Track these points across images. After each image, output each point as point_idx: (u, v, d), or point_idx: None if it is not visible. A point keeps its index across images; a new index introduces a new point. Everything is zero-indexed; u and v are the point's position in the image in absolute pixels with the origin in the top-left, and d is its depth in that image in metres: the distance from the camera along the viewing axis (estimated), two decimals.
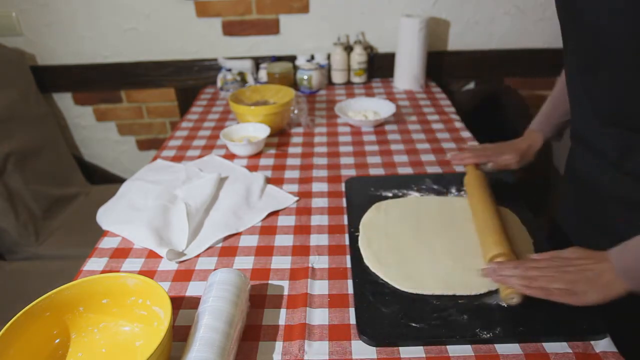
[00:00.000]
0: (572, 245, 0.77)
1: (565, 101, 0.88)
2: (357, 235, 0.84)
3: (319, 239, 0.86)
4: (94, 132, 1.88)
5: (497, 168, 0.94)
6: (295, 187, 1.03)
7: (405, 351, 0.63)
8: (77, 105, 1.82)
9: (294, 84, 1.61)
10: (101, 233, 0.91)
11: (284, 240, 0.86)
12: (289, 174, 1.09)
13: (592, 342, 0.62)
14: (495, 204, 0.84)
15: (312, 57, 1.67)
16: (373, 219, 0.88)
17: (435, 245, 0.80)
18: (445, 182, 0.99)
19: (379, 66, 1.72)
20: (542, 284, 0.62)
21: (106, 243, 0.88)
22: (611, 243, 0.63)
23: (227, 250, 0.84)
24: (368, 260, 0.77)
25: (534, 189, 1.79)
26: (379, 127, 1.33)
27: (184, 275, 0.79)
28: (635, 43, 0.59)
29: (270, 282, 0.76)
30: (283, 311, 0.70)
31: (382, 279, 0.73)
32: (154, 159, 1.19)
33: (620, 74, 0.65)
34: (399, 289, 0.71)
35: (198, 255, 0.83)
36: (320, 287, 0.74)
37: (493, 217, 0.79)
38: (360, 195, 0.96)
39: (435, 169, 1.09)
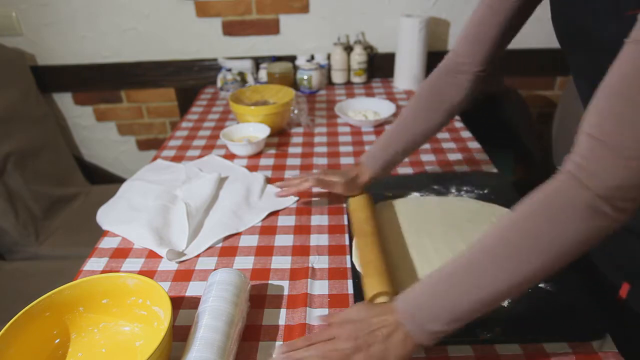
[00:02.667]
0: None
1: (396, 141, 0.87)
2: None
3: (319, 239, 0.86)
4: (94, 132, 1.88)
5: (320, 185, 0.90)
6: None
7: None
8: (77, 105, 1.82)
9: (294, 84, 1.61)
10: (101, 233, 0.91)
11: (284, 240, 0.86)
12: (289, 174, 1.09)
13: (592, 342, 0.62)
14: (375, 229, 0.80)
15: (312, 57, 1.67)
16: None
17: (434, 246, 0.80)
18: (445, 182, 0.99)
19: (379, 66, 1.72)
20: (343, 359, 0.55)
21: (106, 243, 0.88)
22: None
23: (227, 250, 0.84)
24: (356, 260, 0.77)
25: (534, 189, 1.79)
26: (379, 127, 1.33)
27: (184, 275, 0.79)
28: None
29: (270, 282, 0.76)
30: (283, 311, 0.70)
31: None
32: (154, 159, 1.19)
33: None
34: None
35: (198, 255, 0.83)
36: (320, 287, 0.74)
37: (373, 251, 0.74)
38: None
39: (435, 169, 1.09)
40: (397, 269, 0.75)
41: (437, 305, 0.54)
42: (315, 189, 1.02)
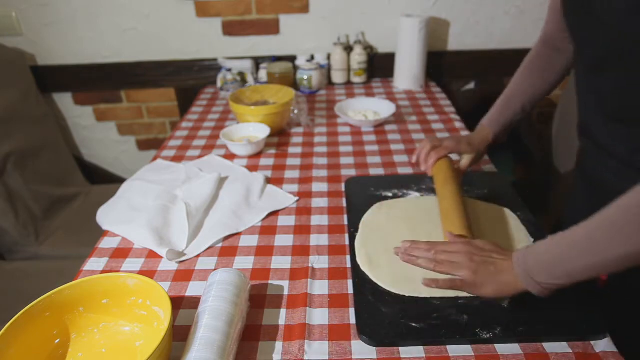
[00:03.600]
0: None
1: (516, 102, 0.93)
2: (357, 235, 0.84)
3: (319, 239, 0.86)
4: (94, 132, 1.88)
5: (454, 152, 0.95)
6: (295, 187, 1.03)
7: (405, 351, 0.63)
8: (77, 105, 1.82)
9: (294, 84, 1.61)
10: (101, 233, 0.91)
11: (284, 240, 0.86)
12: (289, 174, 1.09)
13: (592, 342, 0.62)
14: (461, 189, 0.86)
15: (312, 57, 1.67)
16: (373, 219, 0.88)
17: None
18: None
19: (379, 66, 1.72)
20: (447, 269, 0.65)
21: (106, 243, 0.88)
22: None
23: (227, 250, 0.84)
24: (360, 260, 0.78)
25: (534, 189, 1.79)
26: (379, 127, 1.33)
27: (184, 275, 0.79)
28: None
29: (270, 282, 0.76)
30: (283, 311, 0.70)
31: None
32: (154, 159, 1.19)
33: (629, 73, 0.65)
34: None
35: (198, 255, 0.83)
36: (320, 287, 0.74)
37: (459, 202, 0.81)
38: (360, 195, 0.96)
39: None
40: (397, 269, 0.75)
41: (550, 261, 0.59)
42: (315, 189, 1.02)
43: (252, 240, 0.87)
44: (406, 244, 0.70)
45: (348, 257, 0.80)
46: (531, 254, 0.61)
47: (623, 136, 0.71)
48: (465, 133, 1.27)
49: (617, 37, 0.63)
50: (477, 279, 0.63)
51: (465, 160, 0.95)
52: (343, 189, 1.01)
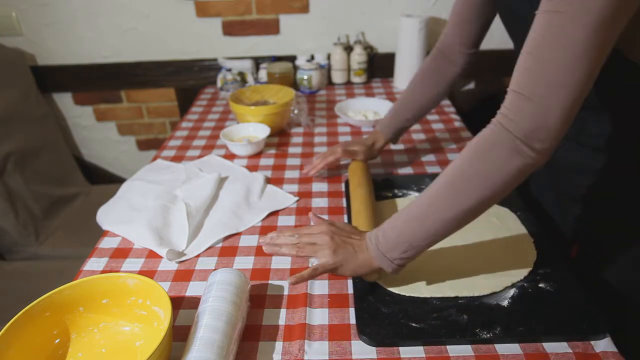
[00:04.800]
0: (551, 217, 0.89)
1: (405, 109, 1.01)
2: None
3: None
4: (94, 132, 1.88)
5: (345, 155, 1.01)
6: (295, 187, 1.03)
7: (405, 351, 0.63)
8: (77, 105, 1.82)
9: (294, 84, 1.61)
10: (101, 233, 0.91)
11: None
12: (289, 174, 1.09)
13: (592, 342, 0.62)
14: (370, 188, 0.91)
15: (312, 57, 1.67)
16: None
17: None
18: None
19: (379, 66, 1.72)
20: (309, 252, 0.69)
21: (106, 243, 0.88)
22: (580, 213, 0.71)
23: (227, 250, 0.84)
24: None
25: (533, 189, 1.79)
26: None
27: (184, 275, 0.79)
28: None
29: (270, 282, 0.76)
30: (283, 311, 0.70)
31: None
32: (154, 159, 1.19)
33: None
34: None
35: (198, 255, 0.83)
36: (320, 287, 0.74)
37: (369, 204, 0.86)
38: None
39: (435, 169, 1.09)
40: None
41: (393, 237, 0.65)
42: (315, 189, 1.02)
43: (252, 240, 0.87)
44: (272, 234, 0.72)
45: None
46: (380, 231, 0.67)
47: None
48: (465, 133, 1.27)
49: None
50: (337, 259, 0.67)
51: (347, 152, 1.01)
52: (343, 189, 1.01)
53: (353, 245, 0.68)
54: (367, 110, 1.38)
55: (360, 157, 1.01)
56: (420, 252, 0.65)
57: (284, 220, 0.92)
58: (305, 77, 1.59)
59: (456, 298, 0.69)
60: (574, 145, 0.77)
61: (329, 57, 1.68)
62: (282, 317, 0.69)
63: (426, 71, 0.99)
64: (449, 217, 0.61)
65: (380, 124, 1.04)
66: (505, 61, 1.72)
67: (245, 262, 0.81)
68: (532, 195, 0.99)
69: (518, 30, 0.73)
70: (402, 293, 0.70)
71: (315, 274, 0.67)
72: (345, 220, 0.91)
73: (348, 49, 1.67)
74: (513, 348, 0.62)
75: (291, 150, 1.21)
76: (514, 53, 0.78)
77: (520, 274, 0.73)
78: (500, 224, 0.85)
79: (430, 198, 0.62)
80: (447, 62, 0.95)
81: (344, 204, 0.96)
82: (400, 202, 0.93)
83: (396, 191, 0.97)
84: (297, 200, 0.98)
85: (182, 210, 0.90)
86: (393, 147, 1.20)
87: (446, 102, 1.51)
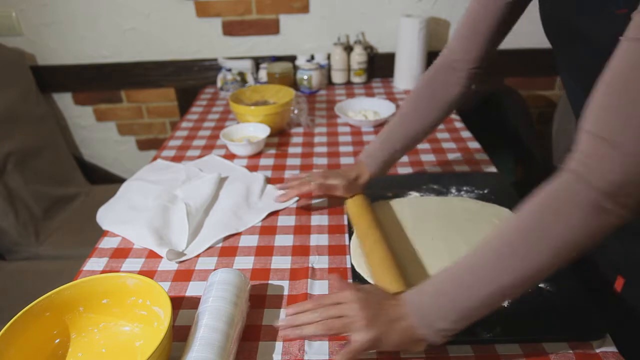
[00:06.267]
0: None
1: (398, 136, 0.87)
2: (352, 236, 0.84)
3: (319, 239, 0.86)
4: (94, 132, 1.88)
5: (322, 191, 0.89)
6: None
7: (405, 351, 0.63)
8: (77, 105, 1.82)
9: (294, 84, 1.61)
10: (101, 233, 0.91)
11: (284, 240, 0.86)
12: (289, 174, 1.09)
13: (592, 342, 0.62)
14: (381, 229, 0.80)
15: (312, 57, 1.67)
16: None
17: (433, 246, 0.80)
18: (445, 182, 0.99)
19: (379, 66, 1.72)
20: (340, 329, 0.57)
21: (106, 243, 0.88)
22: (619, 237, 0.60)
23: (227, 250, 0.84)
24: (355, 262, 0.77)
25: (534, 189, 1.79)
26: (379, 127, 1.33)
27: (184, 275, 0.79)
28: None
29: (270, 282, 0.76)
30: (283, 311, 0.70)
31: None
32: (154, 159, 1.19)
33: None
34: None
35: (198, 255, 0.83)
36: (320, 287, 0.74)
37: (386, 248, 0.75)
38: None
39: (435, 169, 1.09)
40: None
41: (444, 304, 0.54)
42: None
43: (252, 240, 0.87)
44: (289, 310, 0.61)
45: (348, 257, 0.80)
46: (424, 297, 0.56)
47: None
48: (465, 133, 1.27)
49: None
50: (373, 333, 0.55)
51: (338, 192, 0.88)
52: None
53: (389, 313, 0.56)
54: (367, 110, 1.38)
55: (339, 193, 0.88)
56: (470, 322, 0.55)
57: (284, 220, 0.92)
58: (305, 77, 1.59)
59: None
60: None
61: (329, 57, 1.68)
62: (282, 317, 0.69)
63: (422, 92, 0.86)
64: (505, 281, 0.51)
65: (366, 153, 0.90)
66: (505, 61, 1.73)
67: (245, 262, 0.81)
68: None
69: (573, 45, 0.62)
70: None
71: (352, 355, 0.56)
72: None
73: (348, 49, 1.67)
74: (513, 348, 0.62)
75: (291, 150, 1.21)
76: (555, 57, 0.71)
77: None
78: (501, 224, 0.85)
79: (483, 258, 0.53)
80: (448, 81, 0.84)
81: (344, 204, 0.96)
82: (400, 202, 0.93)
83: (396, 191, 0.97)
84: (297, 200, 0.98)
85: (182, 210, 0.90)
86: None
87: None
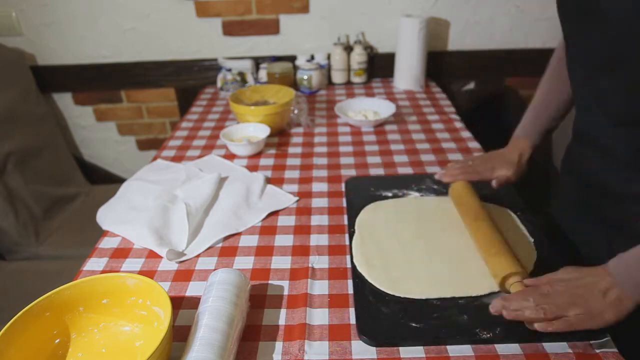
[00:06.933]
0: (572, 242, 0.75)
1: (548, 107, 0.89)
2: (354, 236, 0.84)
3: (319, 239, 0.86)
4: (94, 132, 1.88)
5: (497, 186, 0.91)
6: (295, 187, 1.03)
7: (405, 351, 0.63)
8: (77, 105, 1.82)
9: (294, 84, 1.61)
10: (101, 233, 0.91)
11: (284, 240, 0.86)
12: (289, 174, 1.09)
13: (592, 342, 0.62)
14: (490, 216, 0.81)
15: (312, 57, 1.67)
16: (370, 218, 0.88)
17: (433, 246, 0.80)
18: (445, 182, 0.99)
19: (379, 66, 1.72)
20: (558, 311, 0.59)
21: (106, 243, 0.88)
22: (627, 241, 0.61)
23: (227, 250, 0.84)
24: (357, 261, 0.77)
25: (534, 189, 1.79)
26: (379, 127, 1.33)
27: (184, 275, 0.79)
28: None
29: (270, 282, 0.76)
30: (283, 311, 0.70)
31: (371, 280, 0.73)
32: (154, 159, 1.19)
33: (638, 74, 0.63)
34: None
35: (198, 255, 0.83)
36: (320, 287, 0.74)
37: (497, 233, 0.76)
38: (360, 195, 0.96)
39: (435, 169, 1.09)
40: (395, 269, 0.75)
41: None
42: (315, 189, 1.02)
43: (252, 240, 0.87)
44: (500, 301, 0.63)
45: (348, 257, 0.80)
46: (622, 263, 0.58)
47: (627, 137, 0.69)
48: (465, 133, 1.27)
49: (626, 38, 0.61)
50: (593, 309, 0.58)
51: (499, 181, 0.89)
52: (343, 189, 1.01)
53: (599, 287, 0.59)
54: (367, 110, 1.38)
55: (512, 181, 0.89)
56: None
57: (284, 220, 0.92)
58: (305, 77, 1.59)
59: (456, 298, 0.69)
60: (627, 169, 0.70)
61: (329, 57, 1.68)
62: (282, 317, 0.69)
63: (556, 69, 0.89)
64: None
65: (521, 130, 0.91)
66: (505, 61, 1.73)
67: (245, 262, 0.81)
68: (553, 216, 0.92)
69: (592, 26, 0.64)
70: (398, 294, 0.70)
71: (569, 326, 0.59)
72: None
73: (348, 49, 1.67)
74: (513, 348, 0.62)
75: (291, 150, 1.21)
76: (570, 57, 0.72)
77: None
78: (501, 224, 0.85)
79: None
80: None
81: (344, 204, 0.96)
82: (400, 202, 0.93)
83: (396, 191, 0.97)
84: (297, 200, 0.98)
85: (182, 210, 0.90)
86: (393, 147, 1.20)
87: (446, 102, 1.51)
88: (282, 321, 0.69)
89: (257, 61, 1.70)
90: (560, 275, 0.63)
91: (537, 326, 0.60)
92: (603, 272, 0.60)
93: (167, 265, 0.81)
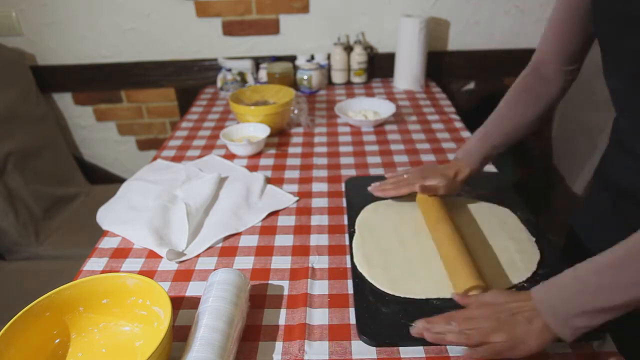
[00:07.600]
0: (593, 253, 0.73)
1: (496, 133, 0.86)
2: (354, 236, 0.84)
3: (319, 239, 0.86)
4: (94, 132, 1.88)
5: (423, 192, 0.88)
6: (295, 187, 1.03)
7: (405, 351, 0.63)
8: (77, 105, 1.82)
9: (294, 84, 1.61)
10: (101, 233, 0.91)
11: (284, 240, 0.86)
12: (289, 174, 1.09)
13: (592, 342, 0.62)
14: (455, 226, 0.80)
15: (312, 57, 1.67)
16: (371, 218, 0.88)
17: (433, 246, 0.80)
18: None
19: (379, 66, 1.72)
20: (481, 338, 0.57)
21: (106, 243, 0.88)
22: None
23: (227, 250, 0.85)
24: (357, 261, 0.77)
25: (534, 189, 1.79)
26: (379, 127, 1.33)
27: (184, 275, 0.79)
28: None
29: (270, 282, 0.76)
30: (283, 311, 0.70)
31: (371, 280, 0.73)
32: (154, 159, 1.19)
33: None
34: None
35: (198, 255, 0.83)
36: (320, 287, 0.74)
37: (461, 244, 0.75)
38: (360, 195, 0.96)
39: None
40: (395, 269, 0.75)
41: (585, 301, 0.53)
42: (315, 189, 1.02)
43: (252, 240, 0.87)
44: (423, 323, 0.61)
45: (348, 257, 0.80)
46: (555, 292, 0.56)
47: None
48: (465, 133, 1.27)
49: None
50: (516, 336, 0.56)
51: (423, 188, 0.87)
52: (343, 189, 1.01)
53: (524, 315, 0.57)
54: (367, 110, 1.38)
55: (440, 192, 0.87)
56: (614, 317, 0.53)
57: (284, 220, 0.92)
58: (305, 77, 1.59)
59: None
60: None
61: (329, 57, 1.68)
62: (282, 317, 0.69)
63: (516, 91, 0.86)
64: None
65: (463, 150, 0.90)
66: (505, 61, 1.73)
67: (245, 262, 0.81)
68: (575, 227, 0.88)
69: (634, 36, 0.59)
70: (398, 294, 0.70)
71: (494, 353, 0.57)
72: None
73: (348, 49, 1.67)
74: None
75: (291, 150, 1.21)
76: (606, 68, 0.67)
77: (524, 275, 0.73)
78: (501, 224, 0.85)
79: (634, 257, 0.52)
80: (542, 81, 0.83)
81: (344, 204, 0.96)
82: (400, 202, 0.93)
83: None
84: (297, 200, 0.98)
85: (182, 210, 0.90)
86: (393, 147, 1.20)
87: (446, 102, 1.51)
88: (282, 321, 0.69)
89: (257, 61, 1.70)
90: (488, 299, 0.61)
91: (464, 352, 0.60)
92: (528, 298, 0.58)
93: (167, 265, 0.81)
